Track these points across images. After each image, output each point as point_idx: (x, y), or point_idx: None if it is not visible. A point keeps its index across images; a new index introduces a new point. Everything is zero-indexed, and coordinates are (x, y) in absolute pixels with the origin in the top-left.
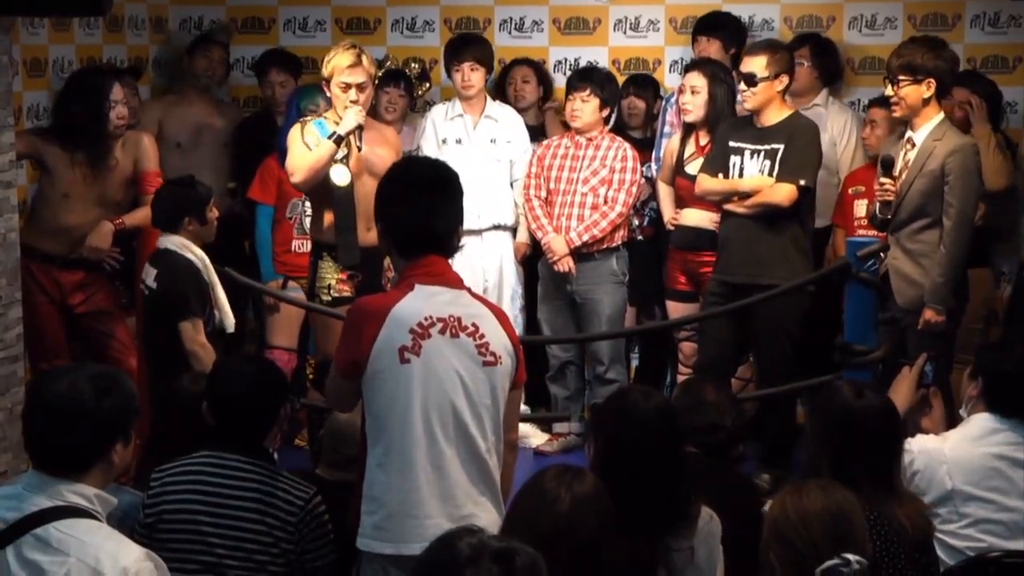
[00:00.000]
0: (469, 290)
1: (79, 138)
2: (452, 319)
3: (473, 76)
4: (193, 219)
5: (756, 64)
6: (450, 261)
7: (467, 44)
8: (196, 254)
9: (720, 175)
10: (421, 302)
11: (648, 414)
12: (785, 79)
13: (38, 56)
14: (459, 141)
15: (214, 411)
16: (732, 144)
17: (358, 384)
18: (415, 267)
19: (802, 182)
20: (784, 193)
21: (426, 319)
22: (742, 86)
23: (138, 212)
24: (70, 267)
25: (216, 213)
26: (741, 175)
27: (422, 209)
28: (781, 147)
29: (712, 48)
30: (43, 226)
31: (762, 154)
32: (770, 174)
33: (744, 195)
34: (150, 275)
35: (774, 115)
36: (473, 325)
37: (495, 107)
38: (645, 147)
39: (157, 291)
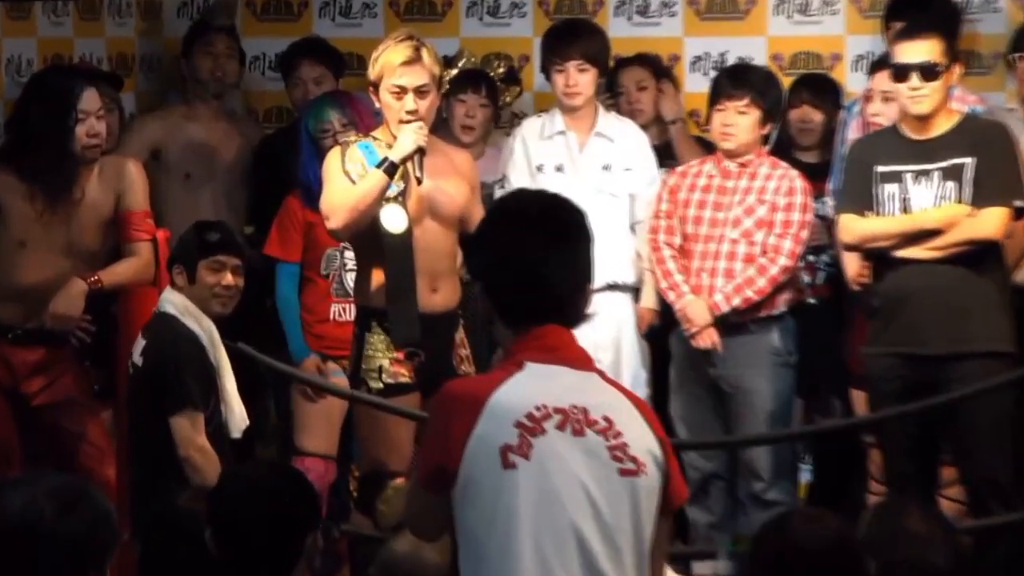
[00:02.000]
0: (601, 372)
1: (39, 162)
2: (575, 410)
3: (581, 79)
4: (182, 269)
5: (931, 49)
6: (576, 332)
7: (573, 35)
8: (203, 325)
9: (868, 213)
10: (532, 386)
11: (821, 547)
12: (957, 70)
13: None
14: (560, 168)
15: (219, 540)
16: (881, 169)
17: (447, 501)
18: (526, 340)
19: (1017, 203)
20: (995, 222)
21: (539, 409)
22: (913, 82)
23: (119, 266)
24: (26, 342)
25: (231, 281)
26: (905, 208)
27: (538, 263)
28: (968, 161)
29: None
30: None
31: (937, 175)
32: (958, 200)
33: (928, 234)
34: (138, 348)
35: (943, 120)
36: (605, 419)
37: (610, 121)
38: (818, 175)
39: (143, 370)
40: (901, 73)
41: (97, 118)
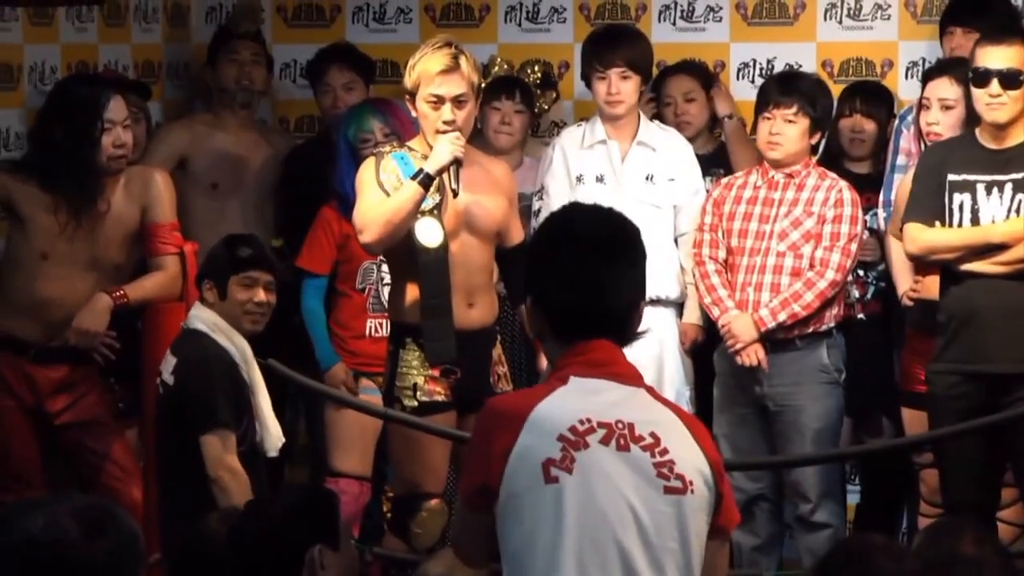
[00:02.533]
0: (650, 389)
1: (62, 174)
2: (621, 426)
3: (624, 86)
4: (212, 285)
5: (1015, 56)
6: (627, 349)
7: (616, 41)
8: (235, 341)
9: (938, 223)
10: (576, 400)
11: None
12: None
13: (9, 61)
14: (601, 179)
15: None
16: (953, 177)
17: (491, 520)
18: (574, 355)
19: None
20: None
21: (583, 423)
22: (993, 88)
23: (146, 281)
24: (48, 359)
25: (264, 298)
26: (975, 220)
27: (594, 279)
28: None
29: (971, 44)
30: (12, 300)
31: (1010, 187)
32: None
33: (995, 248)
34: (168, 366)
35: (1021, 130)
36: (651, 435)
37: (652, 130)
38: (869, 186)
39: (174, 389)
40: (981, 78)
41: (123, 128)
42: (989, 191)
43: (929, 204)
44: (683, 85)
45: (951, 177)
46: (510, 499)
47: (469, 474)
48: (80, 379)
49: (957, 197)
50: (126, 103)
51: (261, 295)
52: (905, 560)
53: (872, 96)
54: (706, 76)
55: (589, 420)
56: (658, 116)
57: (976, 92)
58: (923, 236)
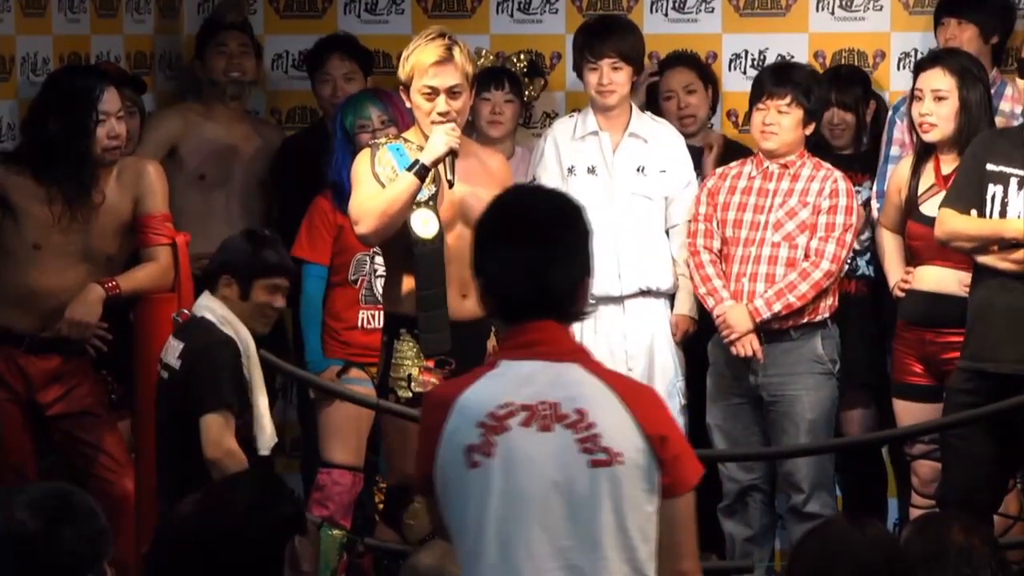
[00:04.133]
0: (587, 360)
1: (57, 165)
2: (544, 406)
3: (616, 77)
4: (233, 281)
5: None
6: (573, 327)
7: (608, 32)
8: (240, 335)
9: (973, 211)
10: (500, 384)
11: (867, 554)
12: None
13: (1, 52)
14: (592, 170)
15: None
16: (992, 167)
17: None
18: (510, 337)
19: None
20: None
21: (502, 407)
22: None
23: (138, 271)
24: (41, 350)
25: (282, 304)
26: (1003, 214)
27: (527, 257)
28: None
29: (965, 35)
30: (4, 292)
31: None
32: None
33: (1010, 244)
34: (173, 351)
35: None
36: (577, 412)
37: (644, 121)
38: (851, 164)
39: (181, 373)
40: None
41: (117, 119)
42: (1021, 187)
43: (967, 192)
44: (682, 78)
45: (990, 166)
46: (442, 486)
47: (417, 462)
48: (72, 370)
49: (991, 188)
50: (120, 96)
51: (280, 301)
52: (870, 530)
53: (846, 85)
54: (702, 68)
55: (511, 403)
56: (659, 110)
57: (1022, 84)
58: (949, 221)
